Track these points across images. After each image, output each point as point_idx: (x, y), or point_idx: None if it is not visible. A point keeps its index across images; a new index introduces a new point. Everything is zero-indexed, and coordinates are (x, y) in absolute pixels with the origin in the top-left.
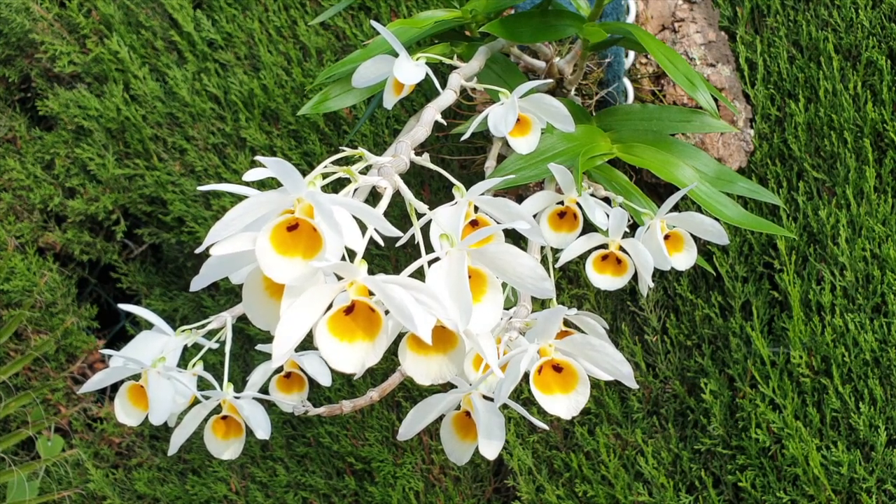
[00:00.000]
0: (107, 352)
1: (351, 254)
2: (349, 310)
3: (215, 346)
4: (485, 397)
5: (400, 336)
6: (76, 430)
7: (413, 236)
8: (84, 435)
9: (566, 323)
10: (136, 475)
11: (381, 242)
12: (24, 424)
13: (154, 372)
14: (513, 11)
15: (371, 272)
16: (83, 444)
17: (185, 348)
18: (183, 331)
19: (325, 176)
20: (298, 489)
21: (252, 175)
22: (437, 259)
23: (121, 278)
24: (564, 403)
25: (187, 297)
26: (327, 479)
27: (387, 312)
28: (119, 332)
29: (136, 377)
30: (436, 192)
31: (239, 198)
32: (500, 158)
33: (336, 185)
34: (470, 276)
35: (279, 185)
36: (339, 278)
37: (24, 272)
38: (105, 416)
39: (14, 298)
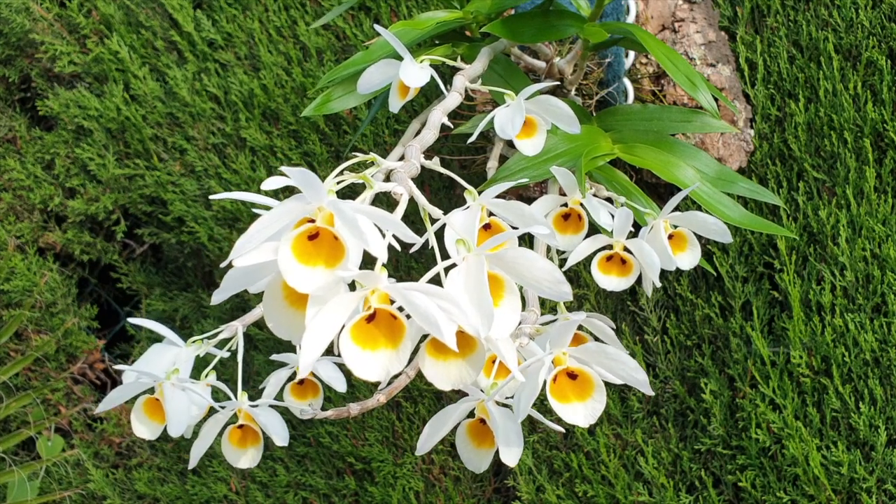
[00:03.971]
0: (120, 367)
1: (370, 261)
2: (371, 317)
3: (226, 355)
4: (499, 404)
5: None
6: (76, 430)
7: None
8: (84, 435)
9: None
10: (136, 475)
11: (398, 247)
12: (24, 424)
13: (169, 384)
14: (513, 12)
15: None
16: (83, 444)
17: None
18: (194, 341)
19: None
20: (298, 489)
21: (271, 184)
22: (453, 265)
23: (121, 278)
24: (582, 411)
25: (187, 297)
26: (327, 479)
27: (408, 317)
28: (119, 332)
29: (150, 391)
30: (436, 192)
31: (243, 202)
32: (502, 159)
33: (340, 191)
34: (488, 281)
35: (286, 192)
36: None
37: (25, 272)
38: (105, 417)
39: (14, 298)
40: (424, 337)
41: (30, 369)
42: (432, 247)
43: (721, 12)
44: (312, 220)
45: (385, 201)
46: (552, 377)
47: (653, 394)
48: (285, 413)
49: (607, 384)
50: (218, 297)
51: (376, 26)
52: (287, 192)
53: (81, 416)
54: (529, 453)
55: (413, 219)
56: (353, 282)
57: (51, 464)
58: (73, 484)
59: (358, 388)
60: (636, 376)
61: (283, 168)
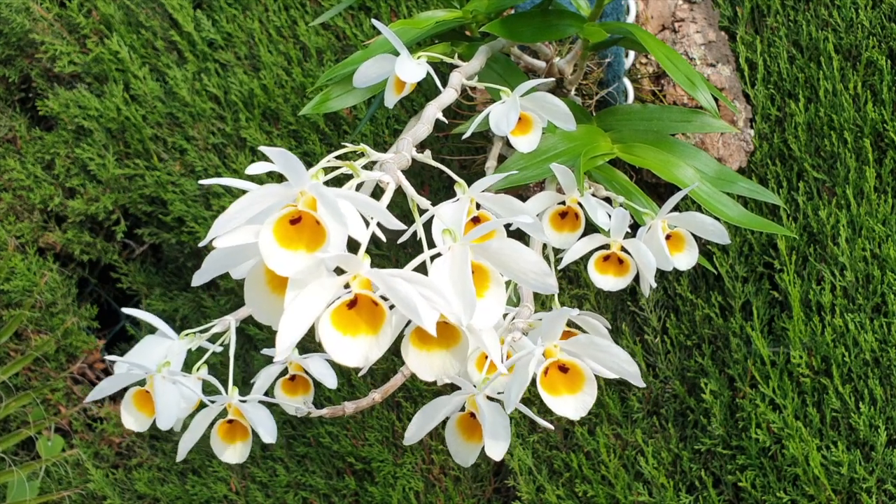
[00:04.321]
0: (111, 358)
1: (354, 248)
2: (352, 303)
3: (219, 349)
4: (489, 398)
5: (401, 336)
6: (76, 430)
7: (413, 236)
8: (84, 435)
9: (569, 323)
10: (136, 475)
11: (384, 238)
12: (24, 424)
13: (159, 377)
14: (513, 11)
15: None
16: (83, 444)
17: (188, 351)
18: (186, 334)
19: (326, 172)
20: (298, 489)
21: (255, 168)
22: (439, 254)
23: (121, 278)
24: (572, 404)
25: (187, 297)
26: (327, 479)
27: (391, 307)
28: (119, 332)
29: (141, 382)
30: (436, 193)
31: (239, 195)
32: (501, 159)
33: (336, 183)
34: (473, 272)
35: (279, 181)
36: (341, 272)
37: (25, 272)
38: (105, 416)
39: (14, 298)
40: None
41: (30, 369)
42: (420, 238)
43: (721, 12)
44: (296, 205)
45: (380, 195)
46: (543, 370)
47: (644, 385)
48: (285, 413)
49: (607, 383)
50: (199, 279)
51: (375, 21)
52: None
53: (81, 416)
54: (529, 453)
55: (411, 218)
56: (339, 270)
57: (51, 464)
58: (72, 484)
59: (358, 388)
60: (627, 368)
61: (264, 149)
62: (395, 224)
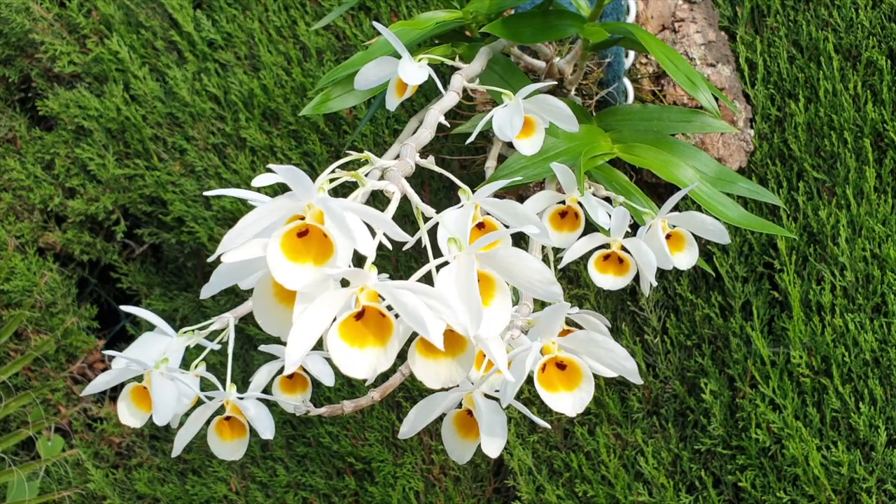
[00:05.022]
0: (110, 353)
1: (360, 259)
2: (360, 315)
3: (217, 347)
4: (487, 396)
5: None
6: (76, 430)
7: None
8: (84, 435)
9: (569, 322)
10: (136, 475)
11: (389, 247)
12: (24, 424)
13: (157, 373)
14: (513, 12)
15: None
16: (83, 444)
17: (187, 349)
18: (185, 332)
19: (331, 180)
20: (298, 489)
21: (261, 181)
22: (445, 263)
23: (121, 278)
24: (569, 401)
25: (187, 297)
26: (327, 479)
27: (396, 317)
28: (119, 332)
29: (139, 378)
30: (436, 193)
31: (242, 201)
32: (500, 159)
33: (338, 189)
34: (478, 280)
35: (284, 190)
36: (347, 283)
37: (25, 272)
38: (105, 416)
39: (14, 298)
40: (417, 335)
41: (30, 369)
42: (425, 246)
43: (721, 12)
44: (303, 218)
45: (385, 201)
46: (540, 366)
47: (641, 382)
48: (285, 413)
49: (607, 383)
50: (207, 292)
51: (375, 23)
52: (285, 190)
53: (81, 416)
54: (529, 453)
55: (412, 219)
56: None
57: (51, 464)
58: (72, 484)
59: (358, 387)
60: (625, 365)
61: (272, 166)
62: (401, 236)
